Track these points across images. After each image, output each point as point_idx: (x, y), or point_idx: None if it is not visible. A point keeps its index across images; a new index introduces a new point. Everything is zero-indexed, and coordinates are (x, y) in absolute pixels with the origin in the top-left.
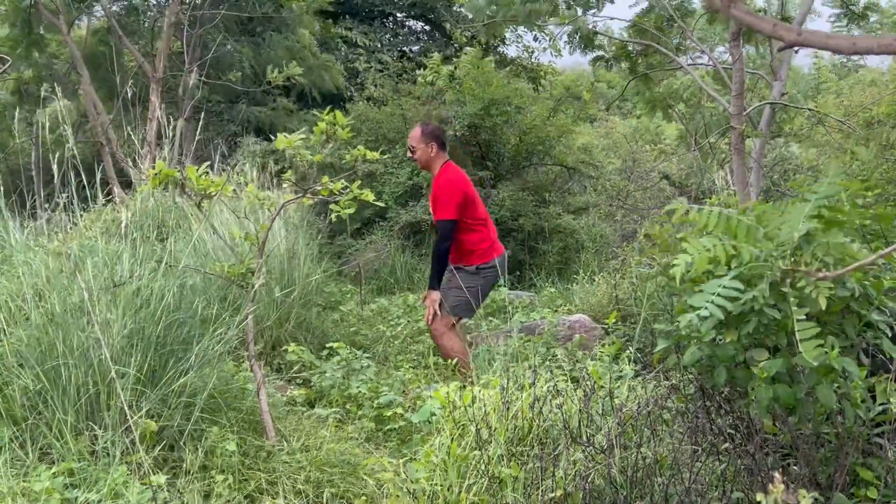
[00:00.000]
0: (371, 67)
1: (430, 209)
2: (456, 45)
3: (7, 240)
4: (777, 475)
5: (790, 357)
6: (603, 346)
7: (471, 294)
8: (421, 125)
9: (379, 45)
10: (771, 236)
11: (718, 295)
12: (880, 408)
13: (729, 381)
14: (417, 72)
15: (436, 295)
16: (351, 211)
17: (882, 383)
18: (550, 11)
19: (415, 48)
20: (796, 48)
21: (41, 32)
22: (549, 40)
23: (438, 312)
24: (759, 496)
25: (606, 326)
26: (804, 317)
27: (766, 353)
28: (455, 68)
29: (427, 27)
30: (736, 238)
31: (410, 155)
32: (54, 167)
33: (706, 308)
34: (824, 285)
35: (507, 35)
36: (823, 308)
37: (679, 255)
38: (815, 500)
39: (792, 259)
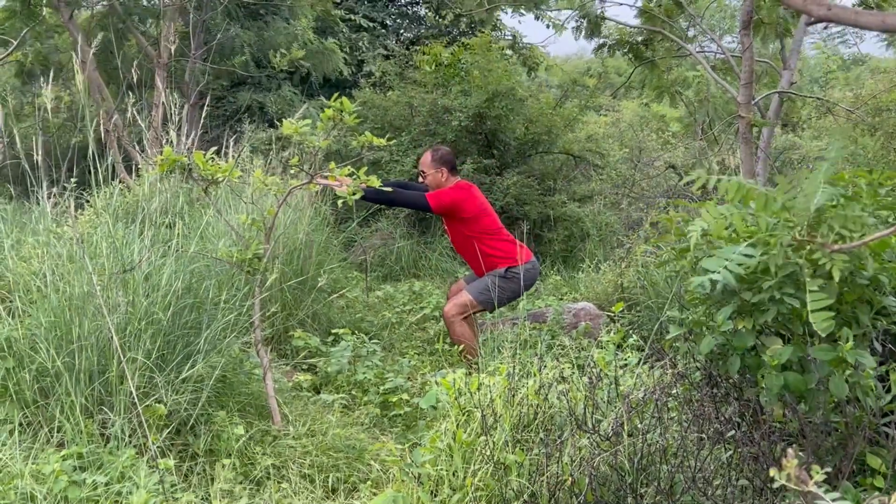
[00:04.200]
0: (377, 51)
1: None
2: (458, 27)
3: (36, 225)
4: (791, 451)
5: (803, 346)
6: (608, 332)
7: (500, 294)
8: (431, 151)
9: (383, 29)
10: (788, 206)
11: (732, 261)
12: (890, 396)
13: (741, 369)
14: (420, 56)
15: (348, 181)
16: (357, 197)
17: (895, 372)
18: None
19: (417, 32)
20: (825, 24)
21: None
22: (553, 28)
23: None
24: (773, 471)
25: (612, 314)
26: (817, 288)
27: (779, 341)
28: (458, 54)
29: (424, 12)
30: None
31: (422, 180)
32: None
33: (719, 272)
34: (839, 258)
35: (503, 18)
36: (837, 280)
37: (694, 221)
38: (828, 475)
39: (807, 230)
